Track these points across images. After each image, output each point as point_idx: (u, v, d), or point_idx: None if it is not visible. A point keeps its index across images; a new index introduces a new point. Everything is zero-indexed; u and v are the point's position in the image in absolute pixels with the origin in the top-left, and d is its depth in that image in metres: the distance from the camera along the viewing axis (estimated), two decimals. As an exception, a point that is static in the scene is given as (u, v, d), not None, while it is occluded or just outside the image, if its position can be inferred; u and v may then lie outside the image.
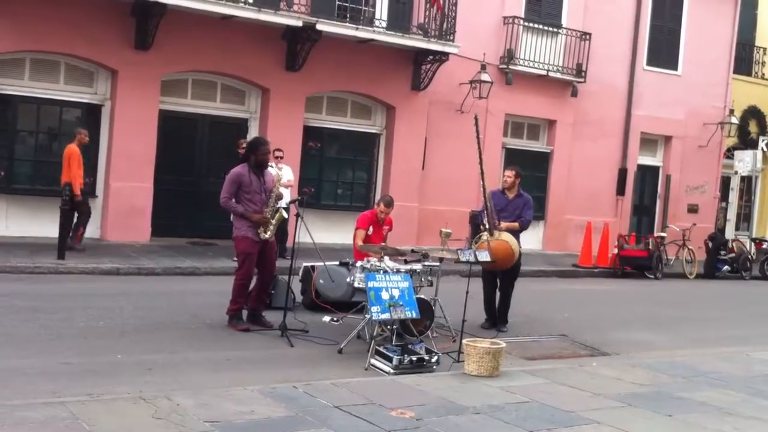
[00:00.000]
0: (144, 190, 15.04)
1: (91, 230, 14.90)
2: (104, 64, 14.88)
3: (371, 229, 9.88)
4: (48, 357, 7.25)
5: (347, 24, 16.25)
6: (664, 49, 21.96)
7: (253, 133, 16.17)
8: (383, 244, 9.46)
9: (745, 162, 22.93)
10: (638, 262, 18.05)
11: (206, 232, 15.61)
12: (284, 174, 13.98)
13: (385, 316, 7.82)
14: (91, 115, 15.03)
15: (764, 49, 24.75)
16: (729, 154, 23.67)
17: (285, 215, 9.32)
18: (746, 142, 23.77)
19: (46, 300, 9.77)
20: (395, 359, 7.52)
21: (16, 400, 5.70)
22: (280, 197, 9.34)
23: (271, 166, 9.60)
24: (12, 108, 14.36)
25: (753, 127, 24.11)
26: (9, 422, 5.11)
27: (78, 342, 7.92)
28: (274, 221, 9.06)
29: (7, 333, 8.04)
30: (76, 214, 13.31)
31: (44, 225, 13.97)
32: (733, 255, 20.03)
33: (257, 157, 9.10)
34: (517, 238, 10.03)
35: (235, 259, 9.83)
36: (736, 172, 23.74)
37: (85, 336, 8.18)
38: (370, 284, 7.93)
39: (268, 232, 9.02)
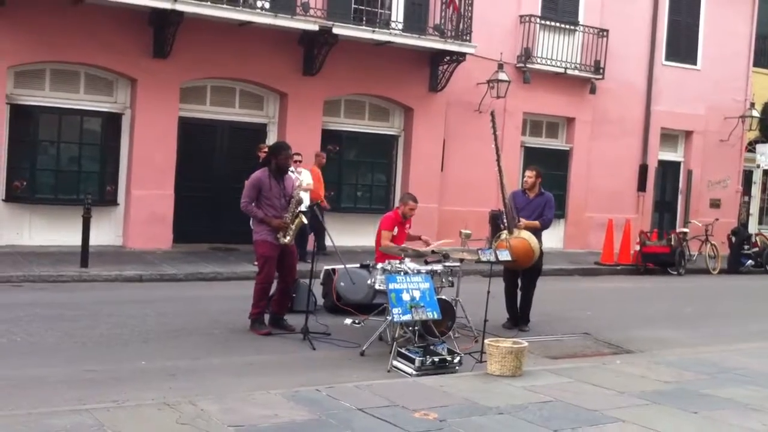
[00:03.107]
0: (165, 198, 15.13)
1: (113, 238, 15.04)
2: (123, 73, 14.99)
3: (396, 230, 9.84)
4: (72, 364, 7.31)
5: (363, 27, 16.28)
6: (682, 44, 21.82)
7: (272, 137, 16.22)
8: (404, 245, 9.45)
9: (766, 155, 22.72)
10: (661, 259, 17.94)
11: (227, 237, 15.66)
12: (303, 178, 14.05)
13: (407, 317, 7.82)
14: (111, 123, 15.13)
15: (784, 41, 24.54)
16: (750, 147, 23.46)
17: (305, 220, 9.33)
18: (768, 135, 23.58)
19: (70, 308, 9.85)
20: (417, 360, 7.51)
21: (41, 408, 5.74)
22: (300, 202, 9.34)
23: (292, 171, 9.60)
24: (33, 119, 14.49)
25: (774, 120, 23.89)
26: (35, 430, 5.16)
27: (102, 349, 7.99)
28: (293, 226, 9.08)
29: (32, 341, 8.13)
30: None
31: (67, 234, 14.09)
32: (756, 249, 19.86)
33: (278, 162, 9.12)
34: (538, 237, 10.00)
35: (256, 263, 9.86)
36: (758, 166, 23.53)
37: (108, 343, 8.25)
38: (391, 286, 7.93)
39: (288, 237, 9.04)
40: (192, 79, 15.53)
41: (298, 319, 9.12)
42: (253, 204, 9.05)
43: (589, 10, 19.91)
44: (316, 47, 15.91)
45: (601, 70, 19.85)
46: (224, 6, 14.68)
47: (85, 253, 12.47)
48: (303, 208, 13.18)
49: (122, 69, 14.88)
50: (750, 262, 19.59)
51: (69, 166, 14.87)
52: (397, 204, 15.53)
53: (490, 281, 8.63)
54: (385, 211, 14.97)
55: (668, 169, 22.20)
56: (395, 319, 7.86)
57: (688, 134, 22.27)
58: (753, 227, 23.45)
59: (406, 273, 8.35)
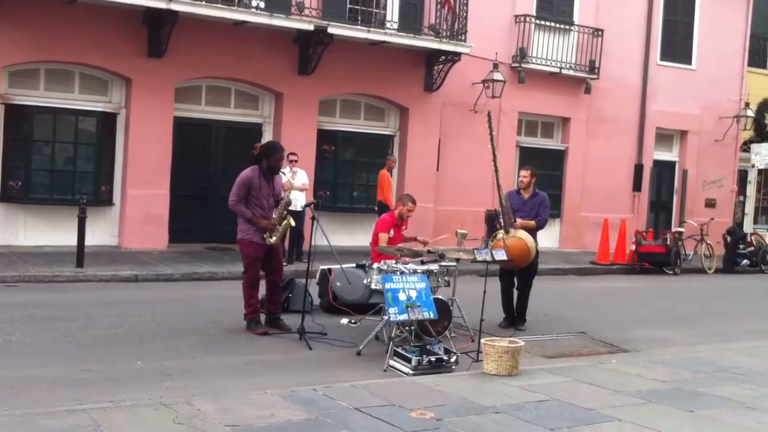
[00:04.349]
0: (160, 197, 15.10)
1: (109, 238, 15.02)
2: (118, 73, 14.96)
3: (392, 231, 9.82)
4: (68, 365, 7.29)
5: (359, 26, 16.27)
6: (677, 44, 21.86)
7: (267, 137, 16.18)
8: (400, 245, 9.44)
9: (761, 155, 22.78)
10: (656, 258, 17.95)
11: (223, 237, 15.63)
12: (299, 178, 14.06)
13: (403, 317, 7.82)
14: (106, 123, 15.11)
15: (778, 41, 24.60)
16: (745, 147, 23.50)
17: (292, 222, 9.30)
18: (762, 134, 23.58)
19: (66, 308, 9.83)
20: (414, 360, 7.51)
21: (37, 409, 5.73)
22: (288, 204, 9.31)
23: (283, 173, 9.56)
24: (28, 118, 14.45)
25: (769, 120, 23.95)
26: (32, 431, 5.14)
27: (98, 349, 7.97)
28: (280, 228, 9.06)
29: (28, 342, 8.10)
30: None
31: (62, 234, 14.07)
32: (751, 249, 19.89)
33: (270, 162, 9.08)
34: (534, 236, 10.00)
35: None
36: (753, 166, 23.57)
37: (104, 343, 8.23)
38: (387, 286, 7.93)
39: (274, 238, 9.02)
40: (187, 78, 15.51)
41: (294, 318, 9.12)
42: (242, 203, 9.02)
43: (584, 9, 19.94)
44: (312, 47, 15.90)
45: (596, 70, 19.88)
46: (219, 5, 14.66)
47: (80, 254, 12.45)
48: (299, 208, 13.22)
49: (117, 69, 14.85)
50: (745, 261, 19.62)
51: (64, 166, 14.84)
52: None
53: (486, 281, 8.62)
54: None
55: (663, 169, 22.23)
56: (392, 319, 7.87)
57: (683, 134, 22.30)
58: (748, 227, 23.50)
59: (402, 273, 8.34)
